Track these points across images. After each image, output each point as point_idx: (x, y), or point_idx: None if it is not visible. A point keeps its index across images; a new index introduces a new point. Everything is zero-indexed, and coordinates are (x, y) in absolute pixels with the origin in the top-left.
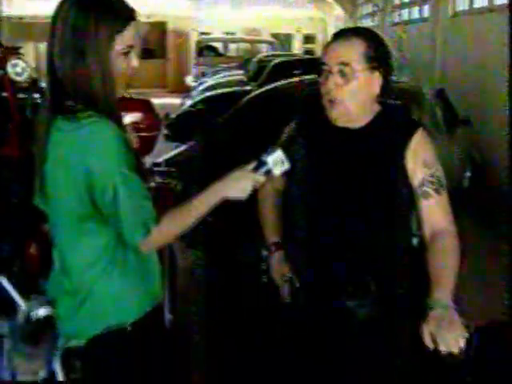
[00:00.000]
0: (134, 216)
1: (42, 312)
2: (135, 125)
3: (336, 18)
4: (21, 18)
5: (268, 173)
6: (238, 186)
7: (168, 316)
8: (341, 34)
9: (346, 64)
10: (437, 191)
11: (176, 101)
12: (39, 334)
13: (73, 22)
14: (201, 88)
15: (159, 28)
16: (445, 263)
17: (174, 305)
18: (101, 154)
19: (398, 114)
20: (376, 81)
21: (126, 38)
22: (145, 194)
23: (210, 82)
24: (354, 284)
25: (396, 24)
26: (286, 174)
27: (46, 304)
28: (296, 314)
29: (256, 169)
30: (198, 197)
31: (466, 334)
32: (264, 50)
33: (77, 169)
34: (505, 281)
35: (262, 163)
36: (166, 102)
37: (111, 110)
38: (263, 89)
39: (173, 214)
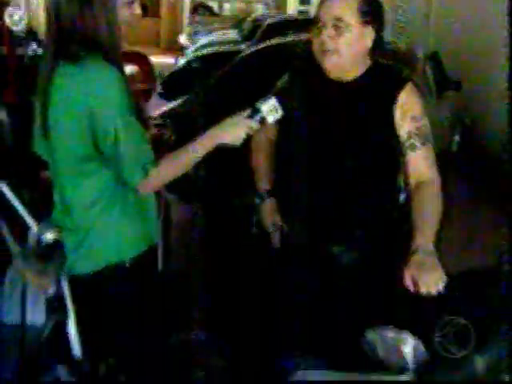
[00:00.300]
0: (133, 158)
1: (50, 236)
2: (131, 77)
3: None
4: None
5: (262, 120)
6: (232, 132)
7: (160, 266)
8: None
9: (339, 19)
10: (423, 144)
11: (169, 60)
12: (49, 253)
13: None
14: (195, 47)
15: None
16: (427, 211)
17: (166, 255)
18: (104, 97)
19: (388, 69)
20: (368, 35)
21: None
22: (144, 138)
23: (204, 41)
24: (340, 231)
25: None
26: (279, 123)
27: (54, 228)
28: (286, 260)
29: (250, 116)
30: (194, 142)
31: (445, 278)
32: (259, 11)
33: (79, 111)
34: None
35: (256, 111)
36: (159, 60)
37: (115, 56)
38: (256, 47)
39: (170, 158)
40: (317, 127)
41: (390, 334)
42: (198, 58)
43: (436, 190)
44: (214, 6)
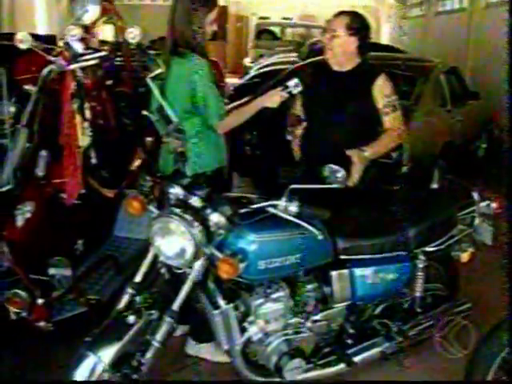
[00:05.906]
0: (215, 108)
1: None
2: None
3: (389, 7)
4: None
5: (289, 92)
6: (271, 99)
7: None
8: (336, 14)
9: (334, 30)
10: (393, 110)
11: (234, 80)
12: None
13: (187, 4)
14: (258, 66)
15: (221, 12)
16: (381, 138)
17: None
18: (200, 76)
19: (370, 65)
20: (352, 42)
21: (213, 15)
22: (221, 100)
23: (265, 62)
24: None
25: (439, 13)
26: (301, 96)
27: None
28: None
29: (282, 90)
30: (248, 105)
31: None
32: (318, 35)
33: (186, 84)
34: None
35: (285, 87)
36: (225, 80)
37: (205, 55)
38: (304, 62)
39: (235, 112)
40: (324, 100)
41: (334, 168)
42: (258, 74)
43: (394, 133)
44: (277, 30)
